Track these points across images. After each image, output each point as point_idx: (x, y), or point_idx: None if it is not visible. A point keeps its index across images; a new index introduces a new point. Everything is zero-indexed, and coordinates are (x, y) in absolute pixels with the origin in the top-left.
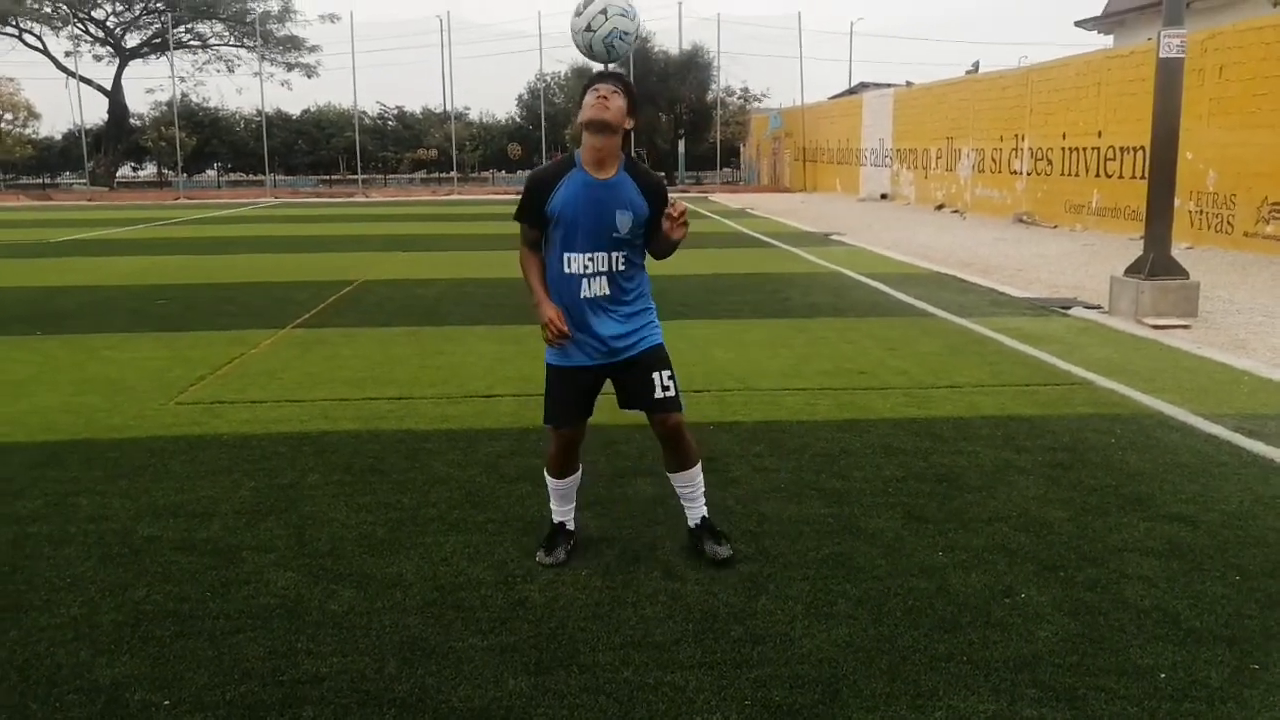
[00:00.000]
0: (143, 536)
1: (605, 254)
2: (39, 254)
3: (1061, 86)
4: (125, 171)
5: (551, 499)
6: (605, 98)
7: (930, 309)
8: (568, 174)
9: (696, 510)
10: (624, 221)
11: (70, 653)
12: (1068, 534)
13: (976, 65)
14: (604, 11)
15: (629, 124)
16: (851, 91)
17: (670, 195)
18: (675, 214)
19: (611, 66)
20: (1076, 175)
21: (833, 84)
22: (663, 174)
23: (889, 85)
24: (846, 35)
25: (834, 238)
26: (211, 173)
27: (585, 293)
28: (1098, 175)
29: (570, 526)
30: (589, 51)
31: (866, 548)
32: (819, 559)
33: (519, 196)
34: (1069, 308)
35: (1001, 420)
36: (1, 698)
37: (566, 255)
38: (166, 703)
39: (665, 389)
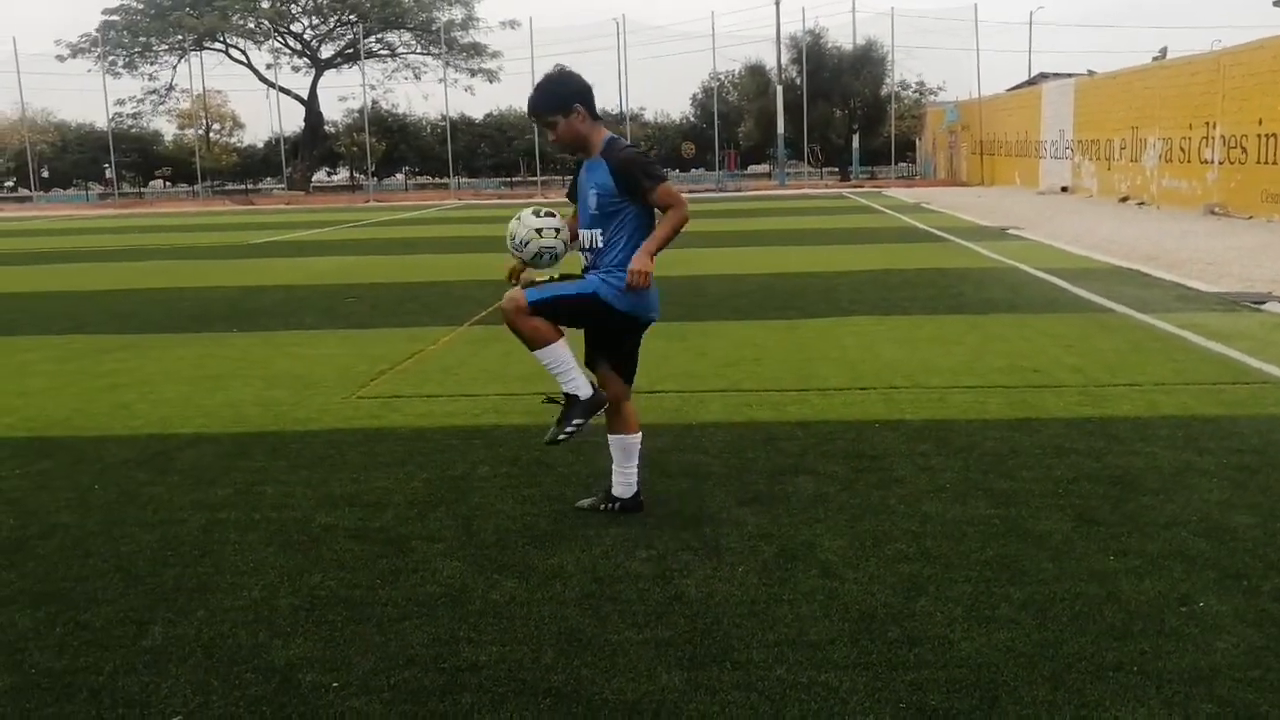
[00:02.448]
0: (320, 525)
1: (588, 231)
2: (241, 255)
3: (1258, 70)
4: (320, 176)
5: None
6: (553, 140)
7: (1111, 305)
8: (585, 159)
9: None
10: (593, 199)
11: (250, 634)
12: (1253, 541)
13: (1164, 51)
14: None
15: (569, 118)
16: (1030, 82)
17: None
18: (629, 286)
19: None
20: (1275, 163)
21: (1010, 75)
22: (635, 148)
23: (1069, 75)
24: (1024, 25)
25: (1011, 232)
26: (400, 176)
27: (584, 262)
28: None
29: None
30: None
31: (1033, 550)
32: (982, 561)
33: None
34: (1263, 303)
35: (1183, 420)
36: (187, 674)
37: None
38: (335, 685)
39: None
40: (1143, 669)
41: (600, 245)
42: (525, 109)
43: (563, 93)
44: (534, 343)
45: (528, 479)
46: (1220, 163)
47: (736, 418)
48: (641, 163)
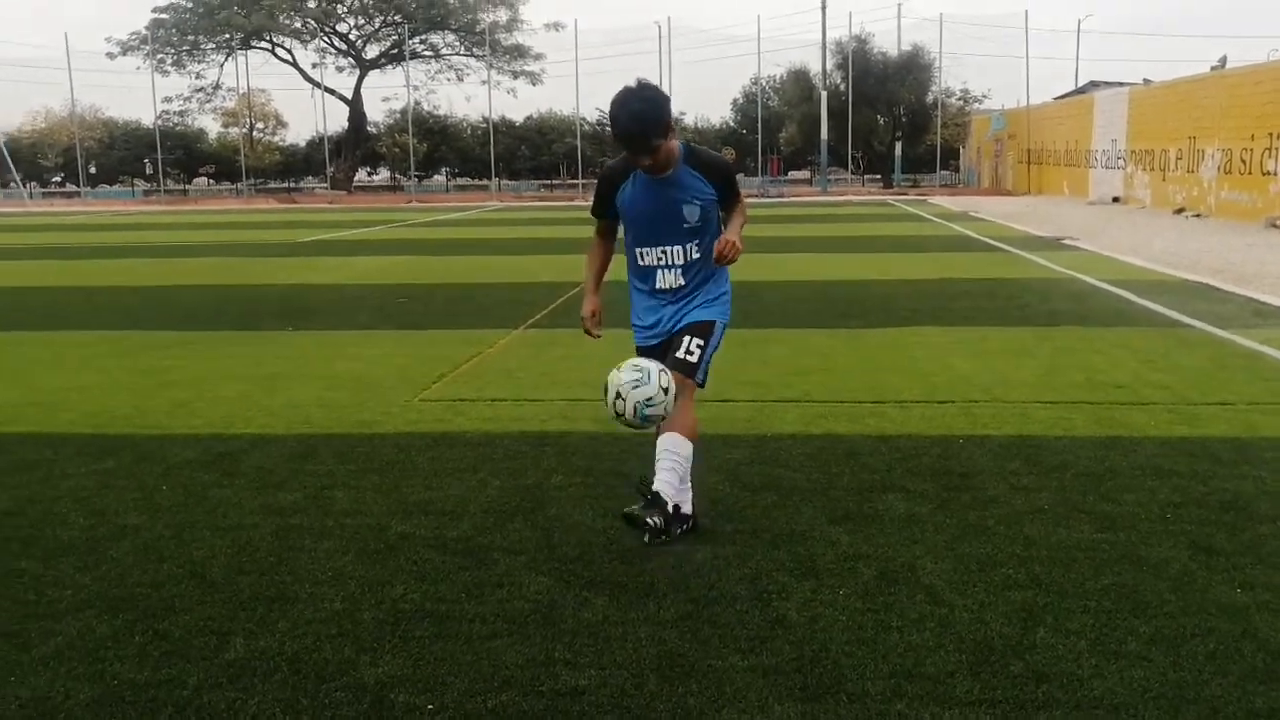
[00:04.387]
0: (396, 533)
1: (680, 247)
2: (288, 254)
3: None
4: (361, 176)
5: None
6: (647, 165)
7: (1184, 319)
8: (633, 173)
9: (658, 478)
10: (692, 213)
11: (335, 649)
12: None
13: (1224, 60)
14: (619, 397)
15: (667, 139)
16: (1080, 91)
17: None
18: (720, 258)
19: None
20: None
21: (1056, 83)
22: (729, 153)
23: (1120, 84)
24: (1072, 33)
25: (1067, 242)
26: (440, 177)
27: (660, 284)
28: None
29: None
30: (628, 424)
31: (1152, 580)
32: (1099, 590)
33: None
34: None
35: None
36: (274, 691)
37: (639, 250)
38: (430, 707)
39: (689, 352)
40: None
41: (696, 257)
42: (568, 111)
43: (666, 111)
44: (691, 434)
45: (605, 490)
46: None
47: (814, 429)
48: (731, 167)
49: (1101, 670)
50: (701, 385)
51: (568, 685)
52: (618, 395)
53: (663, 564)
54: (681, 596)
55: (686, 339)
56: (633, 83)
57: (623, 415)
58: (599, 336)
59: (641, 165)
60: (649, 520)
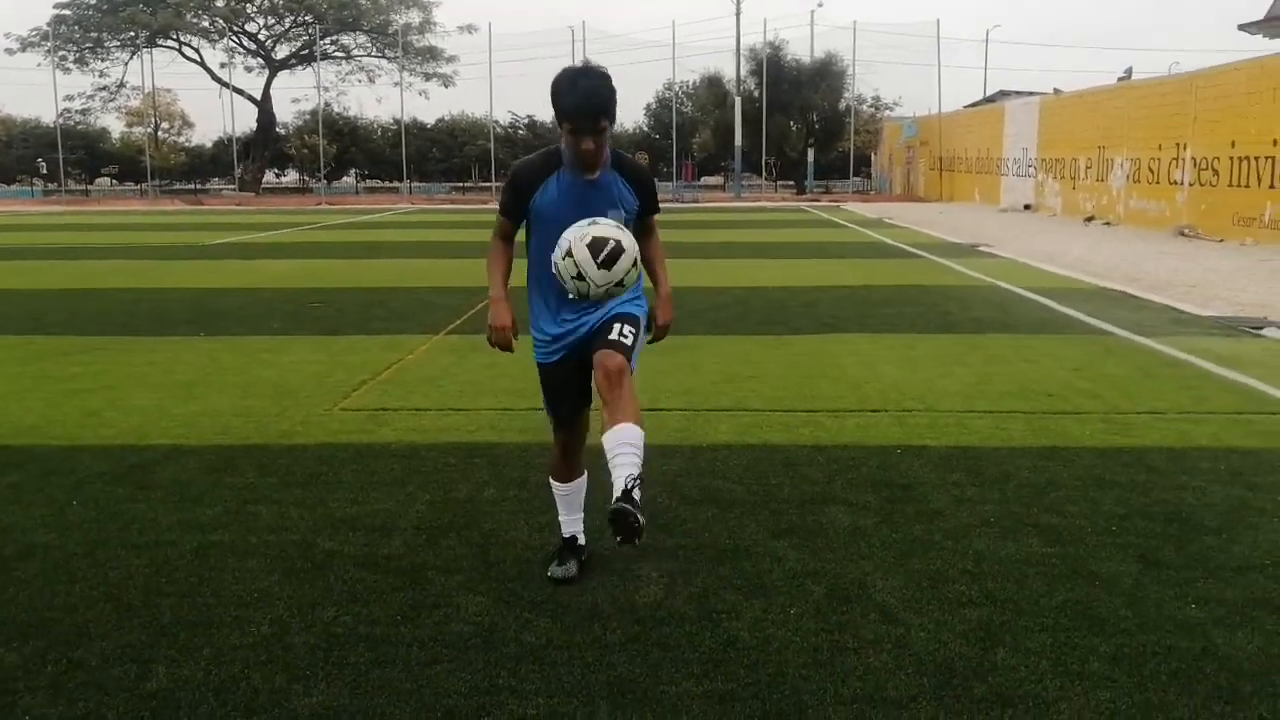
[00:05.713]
0: (324, 550)
1: None
2: (196, 256)
3: (1230, 92)
4: (269, 178)
5: (558, 507)
6: (590, 149)
7: (1107, 327)
8: (555, 173)
9: (622, 472)
10: (615, 219)
11: (265, 676)
12: None
13: (1129, 72)
14: (568, 253)
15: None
16: (990, 99)
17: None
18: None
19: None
20: (1247, 186)
21: (966, 92)
22: (642, 157)
23: (1032, 93)
24: (982, 43)
25: (983, 249)
26: (350, 179)
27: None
28: (1272, 186)
29: (580, 540)
30: (573, 271)
31: (1105, 596)
32: (1054, 606)
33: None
34: (1261, 328)
35: (1221, 452)
36: None
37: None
38: None
39: (623, 335)
40: None
41: None
42: (481, 113)
43: (614, 93)
44: (640, 420)
45: (540, 504)
46: (1190, 184)
47: (749, 439)
48: (653, 178)
49: (1067, 692)
50: (631, 373)
51: (515, 715)
52: (567, 253)
53: (605, 582)
54: (628, 617)
55: (617, 325)
56: (577, 64)
57: (572, 255)
58: (513, 350)
59: (584, 148)
60: (637, 521)
